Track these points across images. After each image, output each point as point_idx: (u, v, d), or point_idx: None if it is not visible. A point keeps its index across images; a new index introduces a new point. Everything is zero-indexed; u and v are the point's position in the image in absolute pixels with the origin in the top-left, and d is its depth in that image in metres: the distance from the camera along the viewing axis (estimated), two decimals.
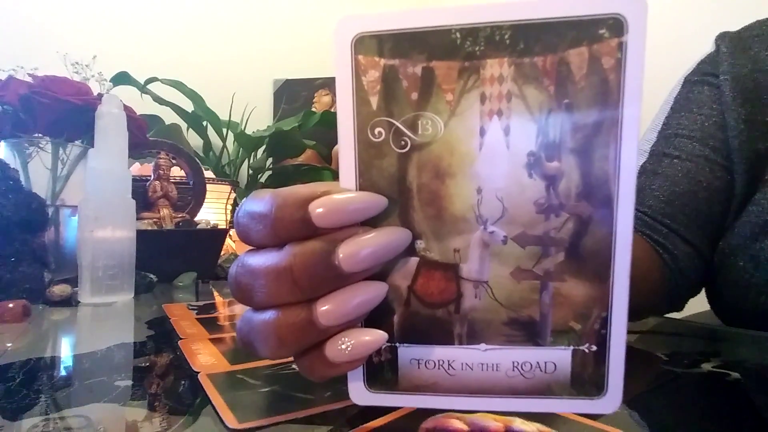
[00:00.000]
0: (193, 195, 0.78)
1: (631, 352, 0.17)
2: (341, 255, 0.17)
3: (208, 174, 0.91)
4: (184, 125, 1.16)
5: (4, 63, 0.67)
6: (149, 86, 1.05)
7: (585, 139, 0.17)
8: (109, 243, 0.51)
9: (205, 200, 0.80)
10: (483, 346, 0.18)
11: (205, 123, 1.16)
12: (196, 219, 0.77)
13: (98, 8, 1.28)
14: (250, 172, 1.21)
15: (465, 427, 0.19)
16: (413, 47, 0.17)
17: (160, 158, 0.74)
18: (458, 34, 0.17)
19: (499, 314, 0.18)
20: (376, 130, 0.18)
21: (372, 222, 0.18)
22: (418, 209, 0.18)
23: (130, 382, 0.26)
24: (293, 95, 1.44)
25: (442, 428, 0.19)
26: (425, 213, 0.18)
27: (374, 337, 0.18)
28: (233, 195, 0.97)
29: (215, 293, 0.60)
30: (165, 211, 0.71)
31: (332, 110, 1.27)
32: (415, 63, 0.17)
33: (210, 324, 0.40)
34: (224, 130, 1.18)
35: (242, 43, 1.43)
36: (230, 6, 1.43)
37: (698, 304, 0.51)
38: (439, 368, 0.18)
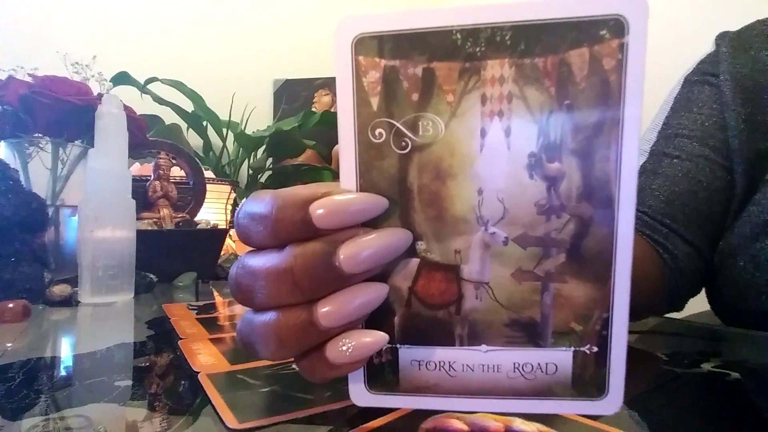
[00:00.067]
0: (193, 195, 0.78)
1: (631, 352, 0.17)
2: (342, 256, 0.17)
3: (208, 174, 0.91)
4: (184, 125, 1.16)
5: (4, 63, 0.67)
6: (149, 86, 1.05)
7: (586, 140, 0.17)
8: (109, 243, 0.51)
9: (205, 200, 0.80)
10: (484, 347, 0.18)
11: (205, 123, 1.15)
12: (196, 219, 0.77)
13: (98, 8, 1.28)
14: (250, 172, 1.21)
15: (465, 427, 0.19)
16: (414, 48, 0.17)
17: (160, 158, 0.74)
18: (459, 35, 0.17)
19: (500, 315, 0.18)
20: (377, 131, 0.18)
21: (373, 223, 0.18)
22: (418, 210, 0.18)
23: (130, 382, 0.26)
24: (293, 95, 1.44)
25: (442, 428, 0.19)
26: (426, 214, 0.18)
27: (375, 339, 0.18)
28: (233, 195, 0.97)
29: (215, 293, 0.60)
30: (165, 211, 0.71)
31: (332, 110, 1.27)
32: (416, 64, 0.17)
33: (210, 324, 0.40)
34: (224, 130, 1.17)
35: (242, 43, 1.43)
36: (230, 6, 1.43)
37: (698, 304, 0.51)
38: (439, 369, 0.18)
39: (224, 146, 1.20)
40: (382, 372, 0.19)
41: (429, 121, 0.17)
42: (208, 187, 0.81)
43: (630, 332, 0.17)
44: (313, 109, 1.32)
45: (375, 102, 0.17)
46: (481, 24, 0.17)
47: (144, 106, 0.93)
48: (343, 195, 0.17)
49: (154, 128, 1.04)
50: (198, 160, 0.81)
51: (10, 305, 0.42)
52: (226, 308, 0.49)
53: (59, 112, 0.60)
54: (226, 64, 1.38)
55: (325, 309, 0.17)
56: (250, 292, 0.18)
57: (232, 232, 0.80)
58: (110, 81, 0.86)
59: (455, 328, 0.18)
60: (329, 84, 1.42)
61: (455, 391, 0.18)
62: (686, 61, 0.51)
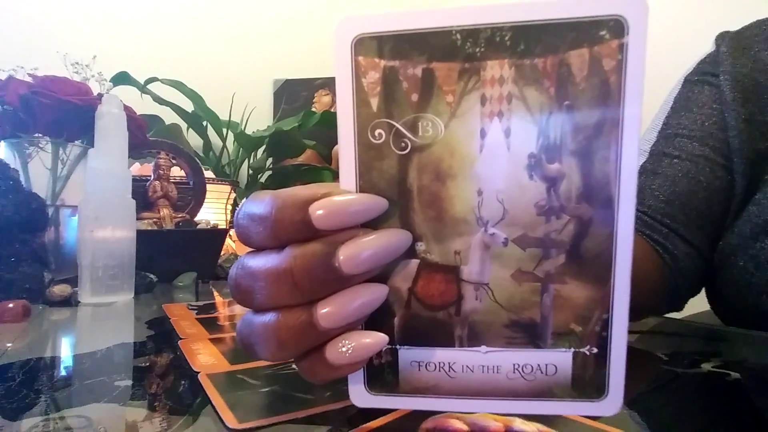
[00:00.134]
0: (193, 195, 0.78)
1: (631, 352, 0.17)
2: (342, 257, 0.17)
3: (208, 174, 0.91)
4: (184, 125, 1.16)
5: (4, 63, 0.67)
6: (149, 86, 1.05)
7: (586, 140, 0.17)
8: (109, 243, 0.51)
9: (205, 200, 0.80)
10: (484, 348, 0.18)
11: (205, 123, 1.15)
12: (196, 219, 0.77)
13: (98, 8, 1.28)
14: (250, 172, 1.21)
15: (465, 427, 0.19)
16: (413, 48, 0.17)
17: (160, 158, 0.74)
18: (458, 36, 0.17)
19: (499, 316, 0.18)
20: (377, 132, 0.18)
21: (372, 224, 0.18)
22: (418, 211, 0.18)
23: (130, 382, 0.26)
24: (293, 95, 1.44)
25: (442, 428, 0.19)
26: (426, 215, 0.18)
27: (375, 340, 0.18)
28: (233, 195, 0.97)
29: (215, 293, 0.60)
30: (165, 211, 0.71)
31: (332, 110, 1.27)
32: (416, 64, 0.17)
33: (210, 324, 0.40)
34: (224, 130, 1.17)
35: (242, 43, 1.43)
36: (230, 6, 1.43)
37: (698, 304, 0.51)
38: (439, 370, 0.18)
39: (224, 146, 1.20)
40: (382, 373, 0.19)
41: (429, 121, 0.17)
42: (208, 187, 0.81)
43: (630, 332, 0.17)
44: (313, 109, 1.32)
45: (374, 102, 0.17)
46: (481, 24, 0.17)
47: (144, 106, 0.93)
48: (342, 196, 0.17)
49: (154, 128, 1.04)
50: (198, 160, 0.81)
51: (10, 305, 0.42)
52: (226, 308, 0.49)
53: (59, 112, 0.60)
54: (226, 64, 1.38)
55: (324, 310, 0.17)
56: (250, 292, 0.18)
57: (232, 232, 0.80)
58: (110, 81, 0.86)
59: (455, 329, 0.18)
60: (329, 84, 1.42)
61: (455, 392, 0.18)
62: (686, 61, 0.51)
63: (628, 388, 0.17)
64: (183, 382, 0.27)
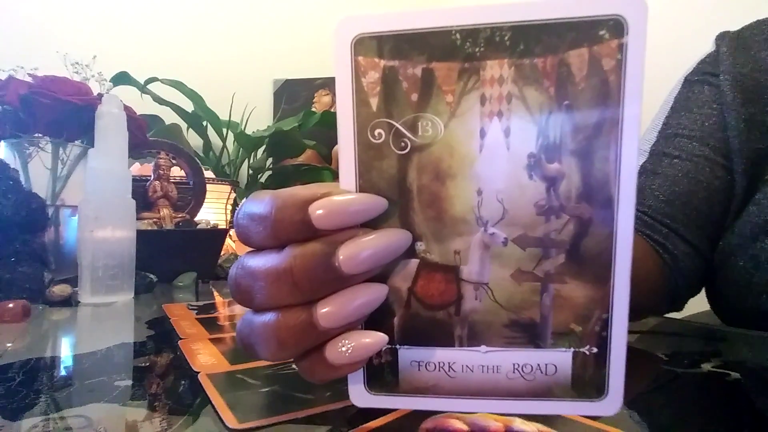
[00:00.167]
0: (193, 195, 0.78)
1: (631, 352, 0.17)
2: (341, 257, 0.17)
3: (208, 174, 0.91)
4: (184, 125, 1.16)
5: (4, 63, 0.67)
6: (149, 86, 1.05)
7: (585, 140, 0.17)
8: (109, 243, 0.51)
9: (205, 200, 0.80)
10: (483, 348, 0.18)
11: (205, 123, 1.15)
12: (196, 219, 0.77)
13: (98, 8, 1.28)
14: (250, 172, 1.21)
15: (465, 427, 0.19)
16: (413, 48, 0.17)
17: (160, 158, 0.74)
18: (458, 35, 0.17)
19: (499, 316, 0.18)
20: (376, 132, 0.18)
21: (372, 224, 0.18)
22: (418, 211, 0.18)
23: (130, 382, 0.26)
24: (293, 95, 1.44)
25: (442, 428, 0.19)
26: (425, 215, 0.18)
27: (374, 340, 0.18)
28: (233, 195, 0.97)
29: (215, 293, 0.60)
30: (165, 211, 0.71)
31: (332, 110, 1.27)
32: (415, 64, 0.17)
33: (210, 324, 0.40)
34: (224, 130, 1.17)
35: (242, 43, 1.43)
36: (230, 6, 1.43)
37: (698, 304, 0.51)
38: (439, 370, 0.18)
39: (224, 146, 1.20)
40: (382, 373, 0.19)
41: (428, 121, 0.17)
42: (208, 187, 0.81)
43: (630, 332, 0.17)
44: (313, 109, 1.32)
45: (374, 102, 0.17)
46: (481, 24, 0.17)
47: (144, 106, 0.93)
48: (342, 195, 0.17)
49: (154, 128, 1.04)
50: (198, 160, 0.81)
51: (10, 305, 0.42)
52: (226, 308, 0.49)
53: (59, 112, 0.60)
54: (226, 64, 1.38)
55: (324, 310, 0.17)
56: (250, 292, 0.18)
57: (232, 232, 0.80)
58: (110, 81, 0.86)
59: (455, 329, 0.18)
60: (329, 84, 1.42)
61: (455, 392, 0.18)
62: (686, 61, 0.51)
63: (628, 388, 0.17)
64: (183, 382, 0.27)
